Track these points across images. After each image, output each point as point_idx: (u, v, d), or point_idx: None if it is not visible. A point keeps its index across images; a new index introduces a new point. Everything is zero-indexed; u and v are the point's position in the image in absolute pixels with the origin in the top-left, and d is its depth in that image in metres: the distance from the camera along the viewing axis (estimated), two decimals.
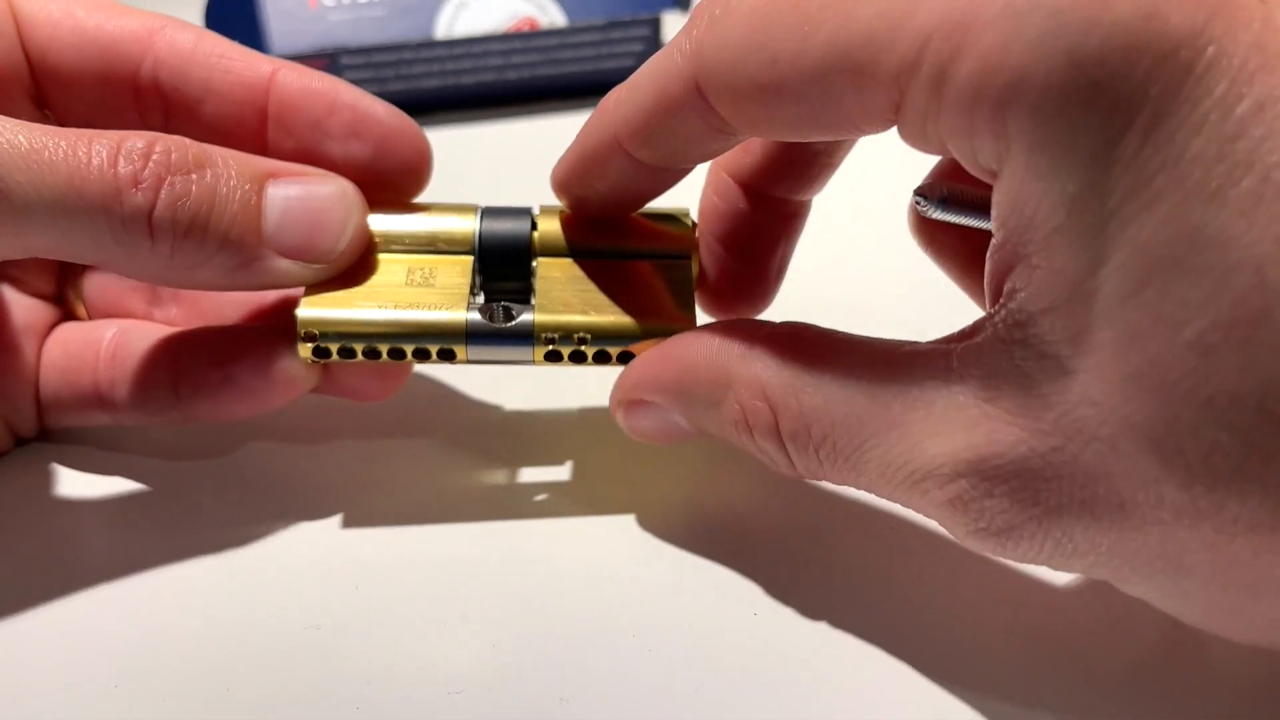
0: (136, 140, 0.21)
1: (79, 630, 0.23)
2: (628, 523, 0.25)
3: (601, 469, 0.27)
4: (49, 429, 0.27)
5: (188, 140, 0.22)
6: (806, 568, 0.24)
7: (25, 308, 0.27)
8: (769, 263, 0.26)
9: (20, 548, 0.25)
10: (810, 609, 0.23)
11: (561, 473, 0.27)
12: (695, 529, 0.25)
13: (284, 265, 0.23)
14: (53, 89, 0.25)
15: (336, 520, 0.25)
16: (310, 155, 0.25)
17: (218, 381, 0.25)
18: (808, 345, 0.21)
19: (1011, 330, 0.18)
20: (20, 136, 0.20)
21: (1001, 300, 0.18)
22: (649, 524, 0.25)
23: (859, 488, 0.21)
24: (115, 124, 0.24)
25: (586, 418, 0.29)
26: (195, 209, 0.21)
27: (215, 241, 0.22)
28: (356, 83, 0.44)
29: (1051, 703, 0.21)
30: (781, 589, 0.24)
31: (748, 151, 0.25)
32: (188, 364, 0.25)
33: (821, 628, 0.23)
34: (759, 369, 0.21)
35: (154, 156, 0.21)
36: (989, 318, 0.18)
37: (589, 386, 0.30)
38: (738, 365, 0.21)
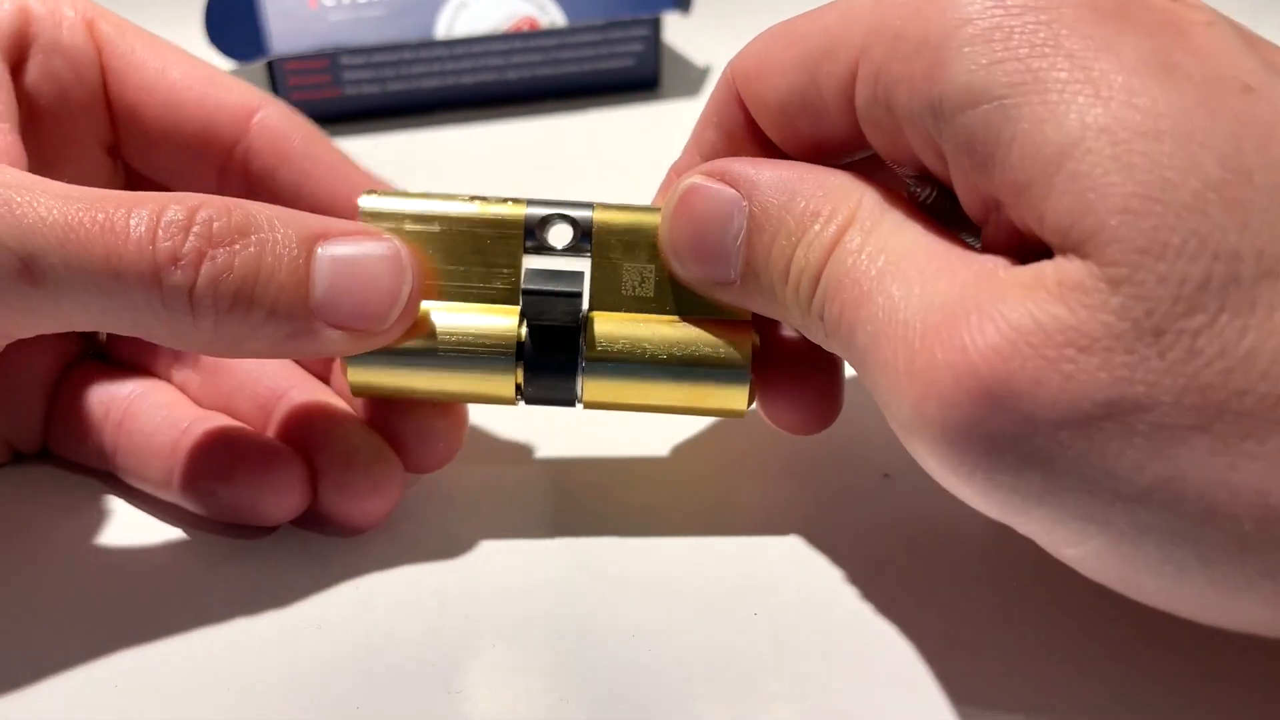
0: (177, 210, 0.20)
1: (78, 627, 0.23)
2: (627, 524, 0.25)
3: (601, 470, 0.27)
4: (50, 450, 0.27)
5: (231, 202, 0.21)
6: (808, 568, 0.24)
7: (45, 345, 0.26)
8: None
9: (15, 561, 0.25)
10: (810, 609, 0.23)
11: (561, 474, 0.27)
12: (694, 529, 0.25)
13: (333, 335, 0.21)
14: (132, 146, 0.25)
15: (341, 539, 0.25)
16: None
17: (208, 492, 0.24)
18: (893, 201, 0.21)
19: (1028, 247, 0.18)
20: (55, 211, 0.19)
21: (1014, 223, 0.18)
22: (648, 525, 0.25)
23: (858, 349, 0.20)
24: (190, 188, 0.23)
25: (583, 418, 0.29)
26: (238, 283, 0.20)
27: (261, 314, 0.20)
28: (356, 83, 0.44)
29: (1054, 704, 0.21)
30: (781, 589, 0.24)
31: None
32: (186, 466, 0.24)
33: (821, 628, 0.23)
34: (857, 191, 0.21)
35: (195, 228, 0.20)
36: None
37: None
38: (839, 180, 0.21)
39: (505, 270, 0.23)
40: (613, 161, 0.42)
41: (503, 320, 0.23)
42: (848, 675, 0.22)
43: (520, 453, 0.28)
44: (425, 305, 0.23)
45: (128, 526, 0.25)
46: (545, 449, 0.28)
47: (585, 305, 0.23)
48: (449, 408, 0.25)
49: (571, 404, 0.24)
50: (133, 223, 0.20)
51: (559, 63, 0.46)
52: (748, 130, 0.23)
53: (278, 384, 0.26)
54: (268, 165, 0.25)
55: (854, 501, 0.26)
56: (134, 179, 0.27)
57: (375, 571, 0.24)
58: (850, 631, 0.23)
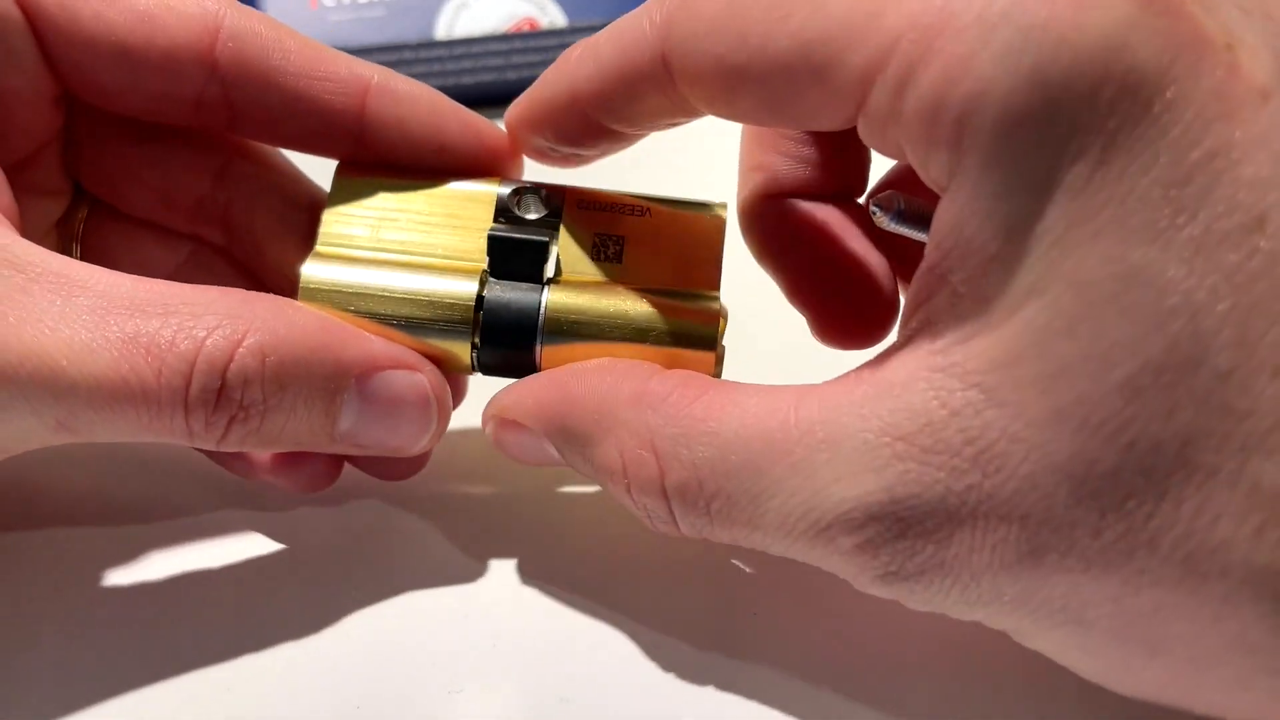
0: (212, 376, 0.19)
1: (79, 624, 0.23)
2: (626, 524, 0.25)
3: None
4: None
5: (266, 341, 0.20)
6: (806, 568, 0.24)
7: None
8: (863, 262, 0.24)
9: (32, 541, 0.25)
10: (810, 609, 0.23)
11: (562, 474, 0.27)
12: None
13: (350, 452, 0.22)
14: (94, 89, 0.23)
15: (336, 517, 0.25)
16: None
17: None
18: (701, 393, 0.19)
19: (930, 358, 0.17)
20: (87, 366, 0.19)
21: (916, 327, 0.17)
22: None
23: (751, 544, 0.19)
24: (167, 113, 0.23)
25: None
26: (265, 435, 0.20)
27: (286, 447, 0.21)
28: None
29: (1058, 706, 0.21)
30: (780, 589, 0.24)
31: (786, 157, 0.24)
32: None
33: (821, 628, 0.23)
34: (649, 417, 0.19)
35: (227, 393, 0.20)
36: (901, 345, 0.18)
37: None
38: (625, 410, 0.20)
39: (474, 248, 0.23)
40: (613, 161, 0.42)
41: (462, 284, 0.22)
42: (848, 675, 0.22)
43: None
44: (388, 265, 0.22)
45: (134, 518, 0.25)
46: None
47: (551, 269, 0.23)
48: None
49: (530, 374, 0.23)
50: (165, 380, 0.19)
51: None
52: (660, 90, 0.20)
53: None
54: (254, 96, 0.23)
55: None
56: (97, 124, 0.25)
57: (375, 571, 0.24)
58: (850, 631, 0.23)
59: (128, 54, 0.22)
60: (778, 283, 0.24)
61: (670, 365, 0.21)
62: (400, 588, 0.24)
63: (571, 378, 0.21)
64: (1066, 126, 0.16)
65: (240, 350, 0.20)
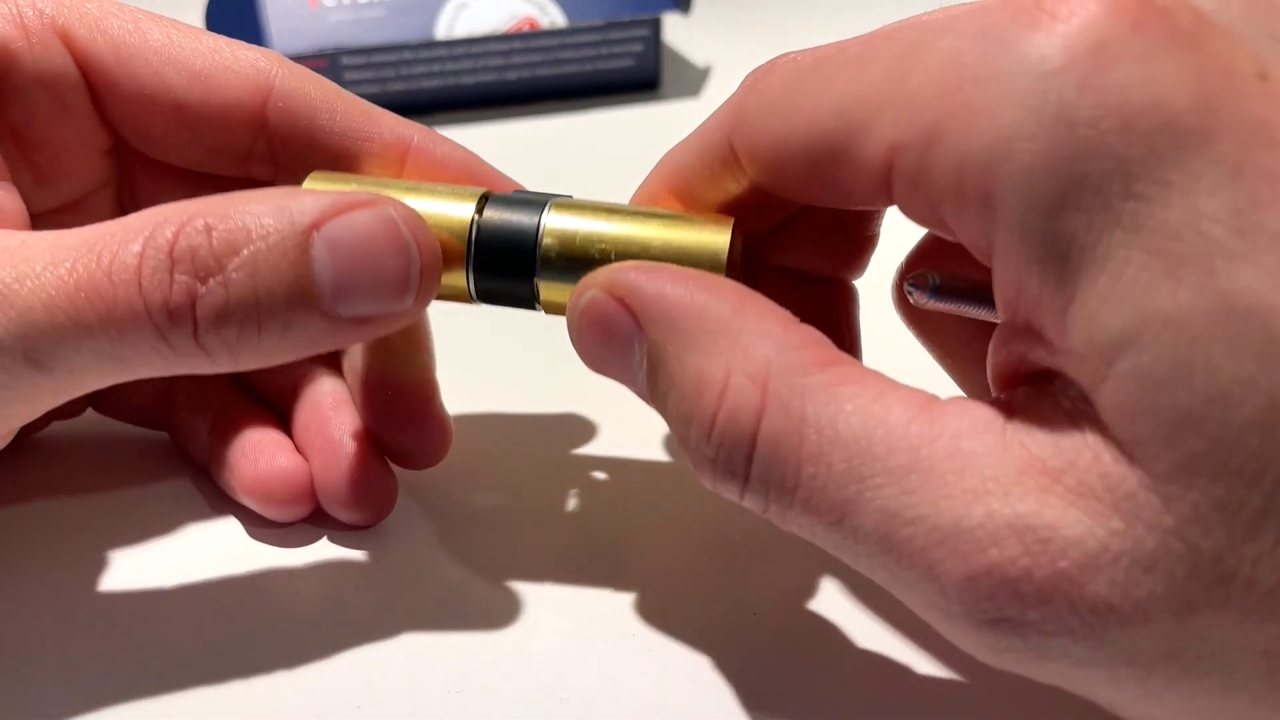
0: (156, 250, 0.19)
1: (78, 617, 0.23)
2: (627, 524, 0.25)
3: (604, 469, 0.27)
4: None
5: (211, 211, 0.19)
6: (806, 568, 0.24)
7: None
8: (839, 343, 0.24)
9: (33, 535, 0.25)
10: (810, 609, 0.23)
11: (564, 473, 0.27)
12: (694, 529, 0.25)
13: (358, 329, 0.20)
14: (146, 140, 0.24)
15: (341, 542, 0.25)
16: None
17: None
18: (832, 359, 0.18)
19: (1064, 403, 0.16)
20: (45, 289, 0.19)
21: (1030, 373, 0.17)
22: (649, 525, 0.25)
23: (823, 538, 0.17)
24: (218, 165, 0.24)
25: (589, 412, 0.29)
26: (238, 311, 0.19)
27: (274, 331, 0.19)
28: (356, 83, 0.44)
29: (1053, 696, 0.21)
30: (781, 589, 0.24)
31: (789, 236, 0.24)
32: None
33: (821, 628, 0.23)
34: (774, 354, 0.18)
35: (178, 266, 0.19)
36: (1035, 392, 0.17)
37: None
38: (753, 336, 0.18)
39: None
40: (613, 162, 0.42)
41: (459, 207, 0.21)
42: (847, 675, 0.22)
43: (524, 449, 0.28)
44: (386, 186, 0.22)
45: (138, 515, 0.25)
46: (549, 445, 0.28)
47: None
48: (434, 415, 0.25)
49: (530, 306, 0.22)
50: (116, 276, 0.19)
51: (559, 63, 0.46)
52: (731, 172, 0.21)
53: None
54: (297, 152, 0.24)
55: None
56: (150, 169, 0.25)
57: (376, 571, 0.24)
58: (850, 632, 0.23)
59: (183, 111, 0.23)
60: None
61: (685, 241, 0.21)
62: (401, 588, 0.24)
63: (706, 282, 0.19)
64: (1105, 165, 0.15)
65: (185, 229, 0.19)
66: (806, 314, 0.23)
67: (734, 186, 0.21)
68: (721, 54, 0.51)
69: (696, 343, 0.18)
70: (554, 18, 0.45)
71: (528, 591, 0.24)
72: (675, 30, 0.51)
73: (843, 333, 0.24)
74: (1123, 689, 0.16)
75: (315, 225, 0.19)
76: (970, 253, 0.17)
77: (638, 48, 0.46)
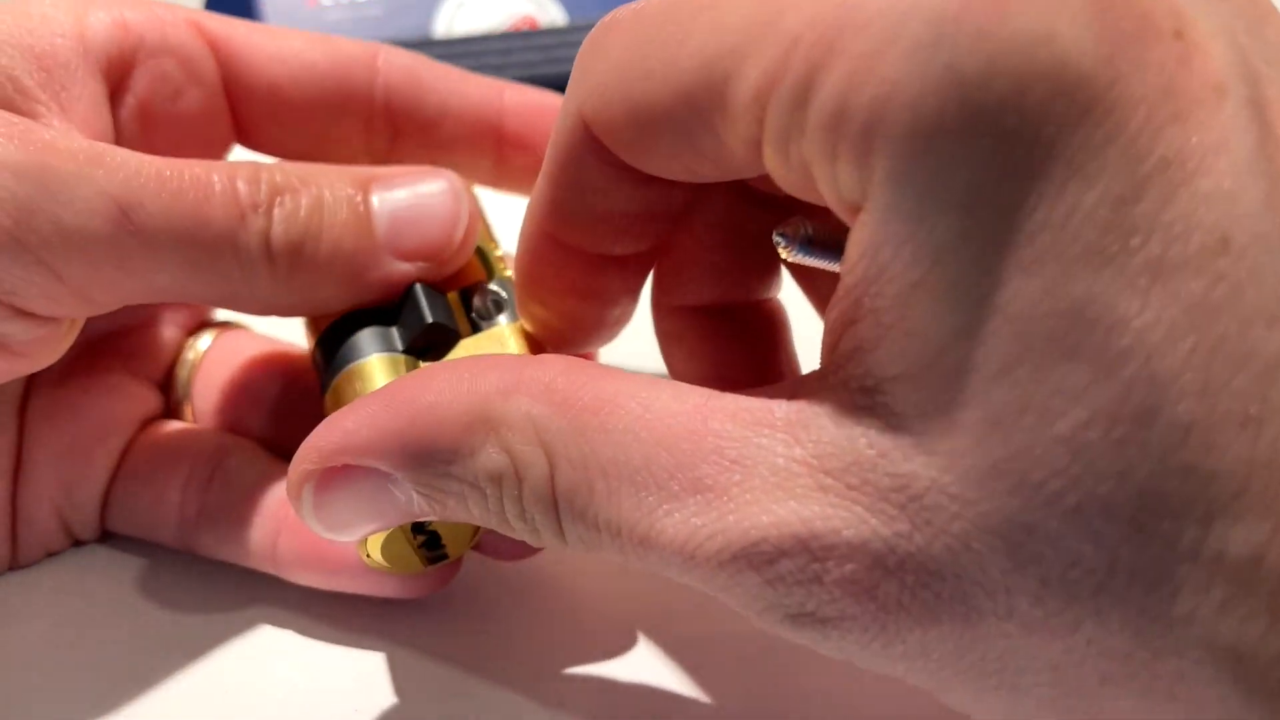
0: (245, 167, 0.21)
1: (75, 621, 0.22)
2: None
3: None
4: (110, 531, 0.24)
5: (287, 163, 0.22)
6: None
7: (126, 394, 0.24)
8: (779, 376, 0.23)
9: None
10: None
11: None
12: None
13: (402, 268, 0.21)
14: (272, 127, 0.25)
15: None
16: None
17: (327, 562, 0.22)
18: (590, 380, 0.17)
19: (855, 395, 0.15)
20: (147, 164, 0.20)
21: (843, 356, 0.15)
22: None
23: (644, 566, 0.16)
24: (341, 155, 0.25)
25: None
26: (307, 223, 0.21)
27: (329, 250, 0.21)
28: None
29: None
30: None
31: (684, 271, 0.22)
32: (299, 527, 0.22)
33: None
34: (529, 406, 0.16)
35: (263, 180, 0.21)
36: (826, 373, 0.16)
37: None
38: (500, 403, 0.17)
39: None
40: None
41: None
42: (848, 675, 0.22)
43: None
44: None
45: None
46: None
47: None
48: None
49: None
50: (214, 178, 0.20)
51: (559, 62, 0.46)
52: (602, 168, 0.19)
53: None
54: (411, 96, 0.25)
55: None
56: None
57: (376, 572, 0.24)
58: None
59: (306, 83, 0.25)
60: None
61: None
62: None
63: (416, 390, 0.17)
64: (991, 133, 0.13)
65: (267, 164, 0.21)
66: (734, 351, 0.22)
67: (597, 175, 0.19)
68: None
69: (459, 450, 0.17)
70: (553, 16, 0.45)
71: (528, 593, 0.24)
72: None
73: (779, 360, 0.23)
74: (920, 679, 0.16)
75: (375, 179, 0.22)
76: (836, 212, 0.16)
77: None
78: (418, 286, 0.22)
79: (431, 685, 0.21)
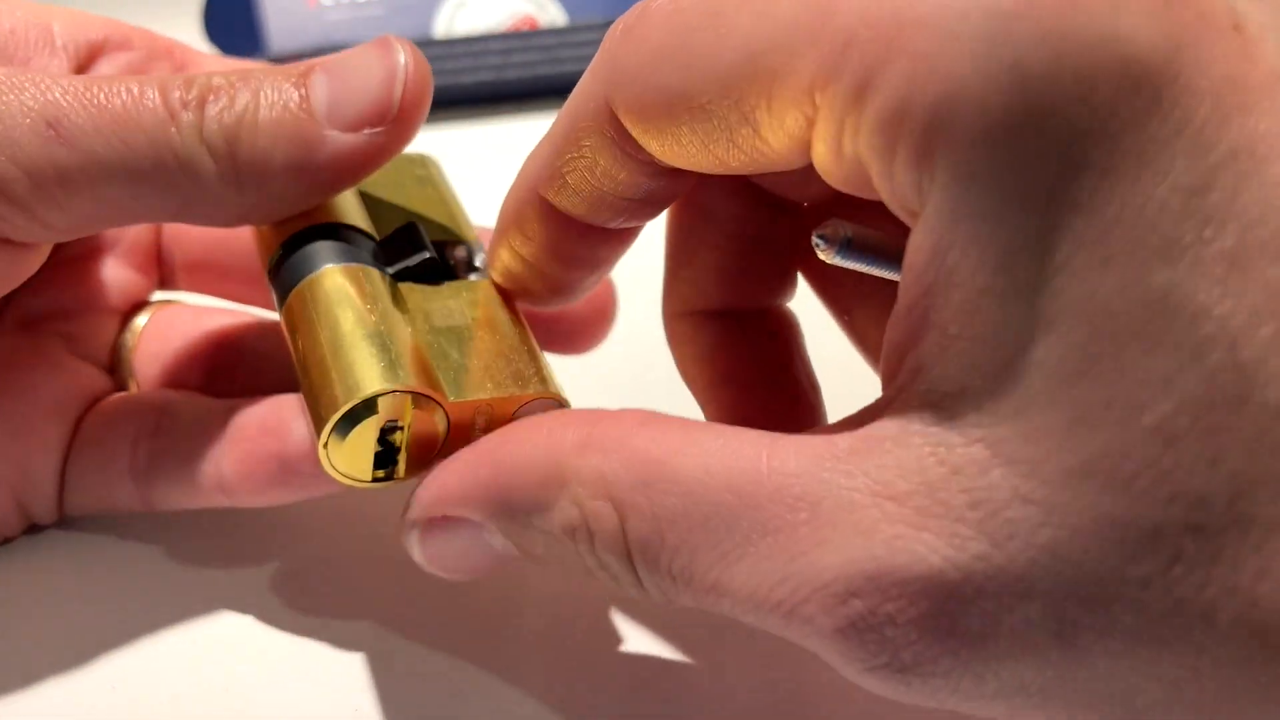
0: (181, 76, 0.21)
1: (70, 629, 0.23)
2: None
3: None
4: (67, 515, 0.24)
5: (226, 70, 0.21)
6: None
7: (72, 372, 0.24)
8: (794, 382, 0.22)
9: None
10: None
11: None
12: None
13: (351, 140, 0.20)
14: None
15: (337, 523, 0.25)
16: None
17: (274, 468, 0.22)
18: (660, 433, 0.17)
19: (921, 414, 0.15)
20: (77, 81, 0.20)
21: (905, 377, 0.15)
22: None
23: (721, 612, 0.16)
24: None
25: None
26: (241, 113, 0.20)
27: (268, 137, 0.20)
28: None
29: None
30: None
31: (695, 276, 0.22)
32: (242, 444, 0.22)
33: None
34: (599, 461, 0.17)
35: (197, 83, 0.20)
36: (889, 396, 0.15)
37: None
38: (574, 458, 0.17)
39: None
40: None
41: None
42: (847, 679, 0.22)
43: None
44: None
45: (131, 531, 0.25)
46: None
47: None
48: None
49: None
50: (146, 88, 0.20)
51: (559, 62, 0.46)
52: (616, 154, 0.18)
53: None
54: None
55: None
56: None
57: (377, 573, 0.24)
58: None
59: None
60: (699, 400, 0.23)
61: None
62: (401, 589, 0.24)
63: (500, 444, 0.18)
64: (1061, 130, 0.13)
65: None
66: (746, 356, 0.22)
67: (610, 159, 0.18)
68: None
69: (539, 503, 0.17)
70: (553, 16, 0.45)
71: (528, 593, 0.24)
72: None
73: (794, 367, 0.23)
74: (1024, 716, 0.15)
75: (312, 68, 0.21)
76: (892, 210, 0.15)
77: None
78: (416, 224, 0.22)
79: (432, 685, 0.22)
